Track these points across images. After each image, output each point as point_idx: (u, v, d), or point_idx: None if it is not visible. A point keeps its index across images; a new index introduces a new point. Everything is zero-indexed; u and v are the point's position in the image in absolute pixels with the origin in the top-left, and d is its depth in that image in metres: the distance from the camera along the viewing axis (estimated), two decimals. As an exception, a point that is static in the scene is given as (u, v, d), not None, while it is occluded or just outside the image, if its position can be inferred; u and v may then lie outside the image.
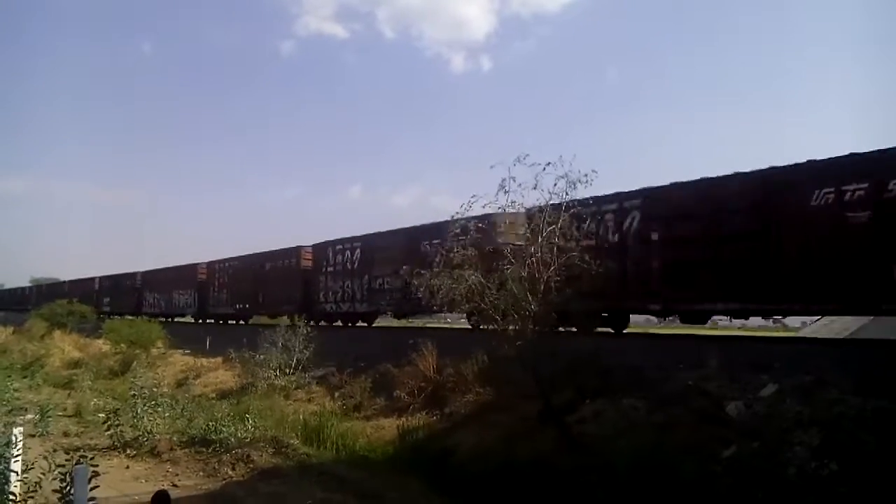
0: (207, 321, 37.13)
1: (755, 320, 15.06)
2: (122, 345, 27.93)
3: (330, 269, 26.77)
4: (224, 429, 13.42)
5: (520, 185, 11.47)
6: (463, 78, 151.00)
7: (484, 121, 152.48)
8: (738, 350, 12.76)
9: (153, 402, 14.70)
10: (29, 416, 16.07)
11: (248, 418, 14.01)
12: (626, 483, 8.60)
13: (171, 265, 42.99)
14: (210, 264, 37.25)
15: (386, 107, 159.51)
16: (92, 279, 53.49)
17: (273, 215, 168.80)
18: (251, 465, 12.17)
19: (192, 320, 39.40)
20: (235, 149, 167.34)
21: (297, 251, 29.10)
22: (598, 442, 10.21)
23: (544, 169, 11.37)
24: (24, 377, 24.60)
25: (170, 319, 39.16)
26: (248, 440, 13.21)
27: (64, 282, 59.91)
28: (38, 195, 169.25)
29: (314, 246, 28.39)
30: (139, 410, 14.32)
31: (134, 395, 14.98)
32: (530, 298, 11.16)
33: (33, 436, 14.17)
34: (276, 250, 31.22)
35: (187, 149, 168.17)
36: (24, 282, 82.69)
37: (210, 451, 12.99)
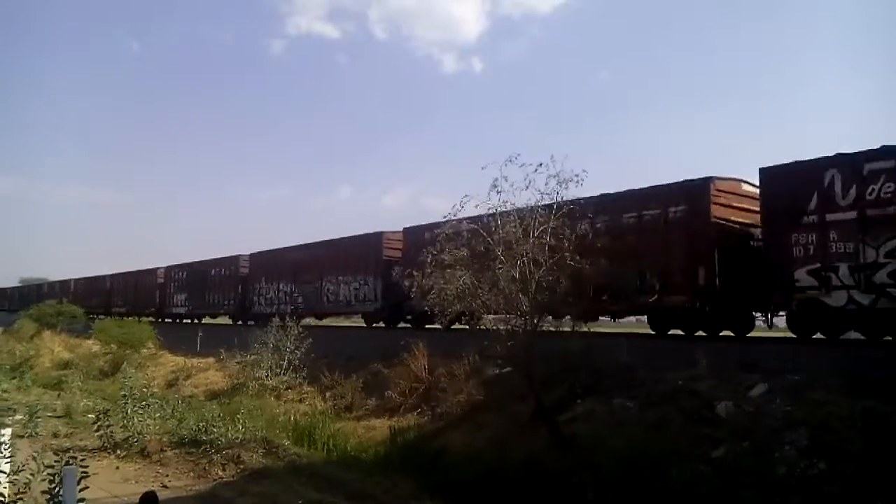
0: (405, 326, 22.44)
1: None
2: (112, 345, 27.79)
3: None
4: (214, 429, 13.35)
5: (511, 185, 11.49)
6: (454, 79, 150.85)
7: (475, 122, 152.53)
8: (727, 350, 12.82)
9: (143, 403, 14.62)
10: (18, 417, 15.98)
11: (238, 419, 13.95)
12: (617, 482, 8.63)
13: (310, 241, 28.20)
14: (411, 231, 22.00)
15: (377, 107, 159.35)
16: (152, 271, 41.20)
17: (265, 215, 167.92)
18: (242, 466, 12.12)
19: (366, 325, 25.43)
20: (226, 149, 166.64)
21: (669, 193, 15.25)
22: (590, 441, 10.23)
23: (536, 170, 11.39)
24: (13, 378, 24.48)
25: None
26: (239, 441, 13.14)
27: (104, 276, 47.78)
28: (26, 195, 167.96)
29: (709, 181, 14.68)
30: (129, 411, 14.24)
31: (124, 395, 14.90)
32: (522, 298, 11.18)
33: (22, 437, 14.08)
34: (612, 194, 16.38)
35: (176, 149, 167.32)
36: (13, 282, 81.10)
37: (200, 451, 12.92)
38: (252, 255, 32.59)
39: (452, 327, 13.83)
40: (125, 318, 35.38)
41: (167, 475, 11.97)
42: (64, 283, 54.48)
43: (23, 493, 7.67)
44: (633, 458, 8.91)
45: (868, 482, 7.44)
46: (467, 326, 12.28)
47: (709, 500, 8.03)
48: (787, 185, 13.02)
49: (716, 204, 14.43)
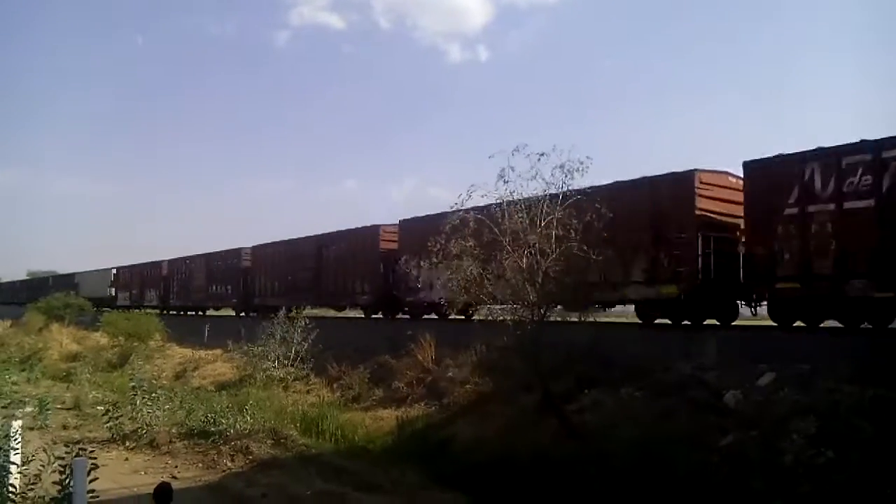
0: None
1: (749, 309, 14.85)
2: (120, 337, 27.91)
3: None
4: (223, 420, 13.43)
5: (519, 175, 11.45)
6: (460, 68, 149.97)
7: (482, 111, 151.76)
8: (735, 340, 12.77)
9: (152, 395, 14.69)
10: (28, 409, 16.09)
11: (246, 410, 14.01)
12: (625, 472, 8.63)
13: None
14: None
15: (383, 97, 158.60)
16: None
17: (269, 207, 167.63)
18: (250, 457, 12.18)
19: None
20: (231, 140, 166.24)
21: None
22: (597, 431, 10.23)
23: (539, 159, 11.34)
24: (23, 370, 24.65)
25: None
26: (247, 432, 13.20)
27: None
28: (33, 188, 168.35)
29: None
30: (138, 403, 14.32)
31: (133, 387, 14.96)
32: (529, 288, 11.15)
33: (32, 429, 14.18)
34: None
35: (182, 140, 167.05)
36: (20, 275, 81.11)
37: (209, 442, 13.00)
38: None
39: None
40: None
41: (176, 466, 12.04)
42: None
43: (33, 484, 7.73)
44: (642, 448, 8.91)
45: (876, 470, 7.41)
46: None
47: (717, 488, 8.03)
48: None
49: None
